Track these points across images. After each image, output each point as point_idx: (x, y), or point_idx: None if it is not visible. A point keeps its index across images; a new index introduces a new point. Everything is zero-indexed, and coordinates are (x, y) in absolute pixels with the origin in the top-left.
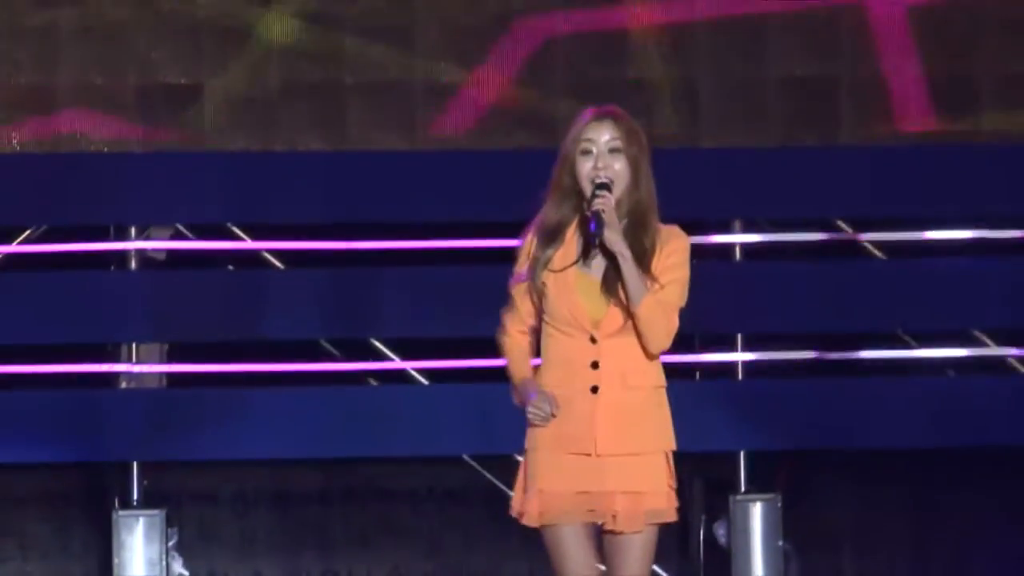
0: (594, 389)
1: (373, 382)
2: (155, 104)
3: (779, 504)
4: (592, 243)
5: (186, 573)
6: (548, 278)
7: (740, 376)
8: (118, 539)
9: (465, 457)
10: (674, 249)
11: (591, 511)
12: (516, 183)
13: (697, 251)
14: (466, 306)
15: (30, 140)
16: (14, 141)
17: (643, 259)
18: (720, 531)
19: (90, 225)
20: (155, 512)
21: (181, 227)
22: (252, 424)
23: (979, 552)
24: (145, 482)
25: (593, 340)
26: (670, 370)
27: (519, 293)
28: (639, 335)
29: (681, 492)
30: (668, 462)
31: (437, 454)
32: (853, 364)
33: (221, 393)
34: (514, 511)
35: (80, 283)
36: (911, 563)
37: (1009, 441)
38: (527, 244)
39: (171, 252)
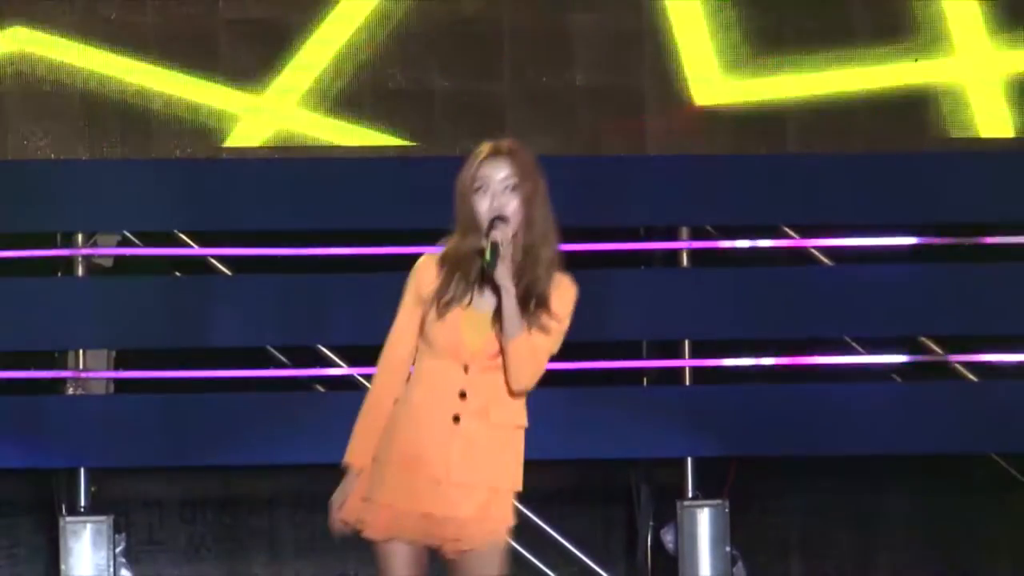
0: (456, 418)
1: (321, 388)
2: (102, 111)
3: (726, 510)
4: (486, 272)
5: None
6: (439, 310)
7: (688, 382)
8: (65, 545)
9: None
10: (562, 299)
11: (431, 535)
12: None
13: (644, 258)
14: None
15: None
16: None
17: (534, 298)
18: (668, 537)
19: (36, 232)
20: (102, 518)
21: (128, 234)
22: (199, 430)
23: (923, 559)
24: (93, 488)
25: (466, 369)
26: (617, 374)
27: (406, 324)
28: (505, 371)
29: (628, 498)
30: (512, 503)
31: None
32: (800, 370)
33: (168, 399)
34: (351, 518)
35: (26, 290)
36: (857, 569)
37: (954, 448)
38: (425, 274)
39: (118, 259)
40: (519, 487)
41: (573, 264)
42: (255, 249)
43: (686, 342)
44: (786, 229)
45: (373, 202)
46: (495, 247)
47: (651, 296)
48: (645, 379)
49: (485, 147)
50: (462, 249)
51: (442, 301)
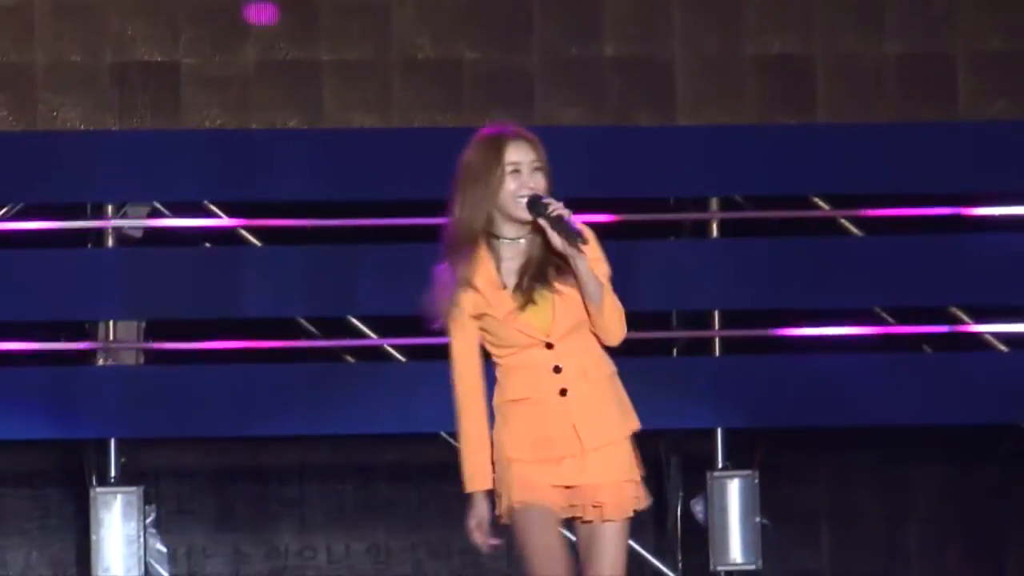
0: (563, 392)
1: (350, 359)
2: (132, 82)
3: (756, 480)
4: (576, 245)
5: (164, 550)
6: (489, 311)
7: (717, 353)
8: (96, 516)
9: (442, 434)
10: (592, 245)
11: (572, 505)
12: None
13: (674, 228)
14: None
15: (6, 118)
16: None
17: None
18: (698, 507)
19: (67, 203)
20: (133, 489)
21: (158, 205)
22: (229, 401)
23: (955, 527)
24: (123, 459)
25: (549, 346)
26: (646, 345)
27: (469, 346)
28: (599, 329)
29: (659, 469)
30: (634, 446)
31: (414, 431)
32: (830, 341)
33: (198, 370)
34: (501, 517)
35: (57, 261)
36: (887, 538)
37: (983, 419)
38: (459, 293)
39: (148, 230)
40: (637, 425)
41: (602, 235)
42: (285, 220)
43: (716, 312)
44: (816, 200)
45: (402, 173)
46: (563, 221)
47: (680, 267)
48: (675, 350)
49: (498, 132)
50: (473, 252)
51: (494, 310)
